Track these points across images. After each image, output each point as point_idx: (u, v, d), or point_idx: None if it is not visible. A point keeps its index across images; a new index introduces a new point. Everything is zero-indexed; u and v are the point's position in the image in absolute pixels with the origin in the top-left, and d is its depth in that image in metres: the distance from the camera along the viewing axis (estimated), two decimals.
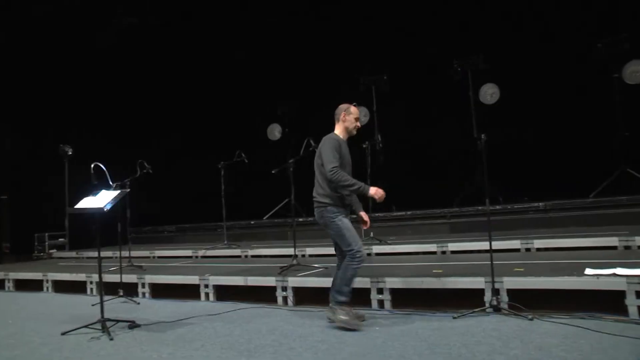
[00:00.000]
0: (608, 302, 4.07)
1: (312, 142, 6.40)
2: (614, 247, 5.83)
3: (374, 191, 4.32)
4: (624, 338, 3.45)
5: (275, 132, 11.48)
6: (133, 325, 4.84)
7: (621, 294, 3.99)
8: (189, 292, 6.29)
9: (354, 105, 4.64)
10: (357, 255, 4.27)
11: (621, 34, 7.77)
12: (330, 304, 4.41)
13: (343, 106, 4.62)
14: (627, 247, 5.76)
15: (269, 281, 5.70)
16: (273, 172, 6.38)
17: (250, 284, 5.85)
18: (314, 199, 4.52)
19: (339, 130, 4.61)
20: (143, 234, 12.22)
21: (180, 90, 12.33)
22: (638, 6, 7.91)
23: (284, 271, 5.89)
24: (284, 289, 5.55)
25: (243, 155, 8.76)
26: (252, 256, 8.25)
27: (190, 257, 8.92)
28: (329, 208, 4.39)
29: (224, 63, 11.89)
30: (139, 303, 6.16)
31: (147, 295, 6.69)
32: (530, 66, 8.79)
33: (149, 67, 12.27)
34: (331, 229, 4.41)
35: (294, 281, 5.53)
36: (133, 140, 11.89)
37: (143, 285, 6.75)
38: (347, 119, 4.55)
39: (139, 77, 12.27)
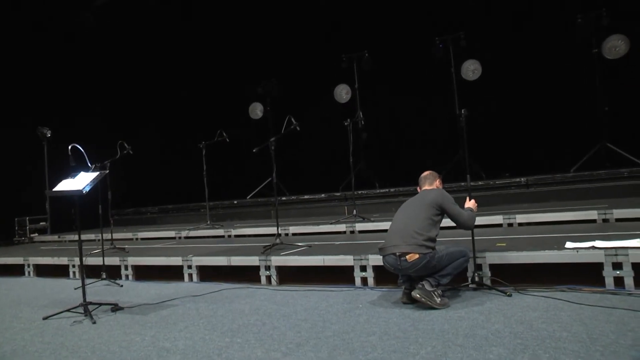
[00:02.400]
0: (588, 274, 4.13)
1: (292, 120, 6.36)
2: (594, 221, 5.90)
3: (472, 204, 4.50)
4: (601, 308, 3.52)
5: (257, 110, 11.37)
6: (116, 308, 4.80)
7: (599, 266, 4.05)
8: (173, 273, 6.26)
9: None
10: (466, 253, 4.19)
11: (600, 9, 7.77)
12: (423, 281, 4.01)
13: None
14: (605, 220, 5.84)
15: (252, 261, 5.68)
16: (254, 150, 6.31)
17: (233, 264, 5.82)
18: (415, 244, 4.00)
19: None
20: (126, 216, 12.11)
21: (162, 70, 12.14)
22: None
23: (267, 250, 5.87)
24: (267, 268, 5.53)
25: (224, 134, 8.67)
26: (236, 236, 8.22)
27: (174, 238, 8.88)
28: (433, 252, 4.05)
29: (204, 41, 11.71)
30: (122, 285, 6.12)
31: (130, 277, 6.65)
32: (512, 42, 8.78)
33: (128, 48, 12.06)
34: (442, 262, 4.05)
35: (277, 260, 5.52)
36: (114, 122, 11.72)
37: (126, 267, 6.70)
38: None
39: (118, 57, 12.06)
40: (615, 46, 7.97)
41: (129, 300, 5.24)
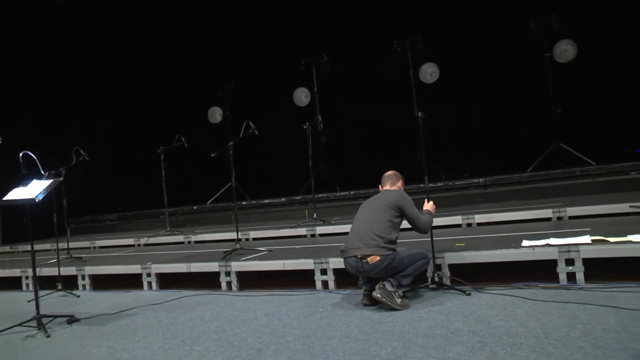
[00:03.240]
0: (543, 271, 4.25)
1: (251, 124, 6.33)
2: (549, 219, 6.06)
3: (431, 206, 4.54)
4: (555, 303, 3.63)
5: (215, 115, 11.25)
6: (72, 319, 4.68)
7: (553, 263, 4.17)
8: (132, 282, 6.14)
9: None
10: (426, 254, 4.28)
11: (551, 14, 8.00)
12: (383, 282, 4.02)
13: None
14: (559, 218, 6.01)
15: (212, 267, 5.62)
16: (212, 155, 6.26)
17: (193, 270, 5.75)
18: (376, 246, 4.03)
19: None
20: (83, 224, 11.82)
21: (117, 73, 11.89)
22: None
23: (227, 256, 5.82)
24: (228, 274, 5.49)
25: (183, 139, 8.58)
26: (196, 242, 8.13)
27: (133, 245, 8.71)
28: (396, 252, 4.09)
29: (161, 44, 11.53)
30: (78, 296, 5.97)
31: (87, 287, 6.49)
32: (468, 45, 8.95)
33: (82, 49, 11.79)
34: (403, 263, 4.07)
35: (238, 266, 5.48)
36: (69, 127, 11.45)
37: (83, 277, 6.53)
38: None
39: (73, 60, 11.79)
40: (565, 50, 8.22)
41: (86, 311, 5.12)
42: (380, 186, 4.62)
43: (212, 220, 10.05)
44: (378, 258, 3.99)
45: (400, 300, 3.98)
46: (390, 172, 4.60)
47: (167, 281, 6.02)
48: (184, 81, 11.42)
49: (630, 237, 4.16)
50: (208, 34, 11.11)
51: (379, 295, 3.95)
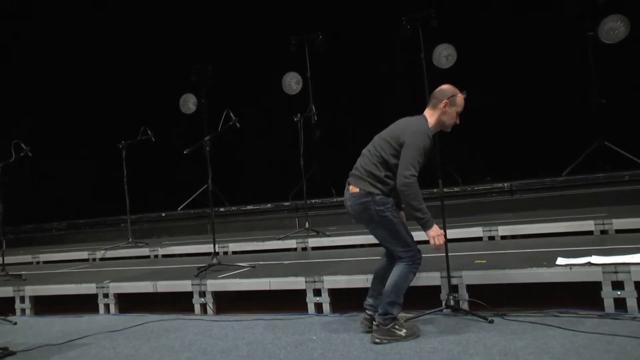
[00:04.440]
0: (583, 295, 4.20)
1: (232, 114, 6.30)
2: (590, 232, 6.02)
3: (436, 232, 3.92)
4: (599, 335, 3.57)
5: (189, 103, 11.21)
6: (5, 353, 4.58)
7: (597, 286, 4.12)
8: (85, 304, 6.06)
9: (463, 95, 4.09)
10: (418, 257, 4.02)
11: None
12: (375, 320, 3.98)
13: (448, 90, 4.07)
14: (603, 232, 5.96)
15: (183, 286, 5.58)
16: (185, 152, 6.22)
17: (160, 290, 5.71)
18: (356, 180, 4.06)
19: (432, 120, 4.07)
20: (24, 234, 11.75)
21: (70, 56, 11.86)
22: None
23: (201, 273, 5.78)
24: (202, 294, 5.45)
25: (149, 132, 8.53)
26: (164, 256, 8.09)
27: (86, 260, 8.65)
28: (379, 198, 3.96)
29: (123, 19, 11.50)
30: (15, 323, 5.84)
31: (27, 312, 6.37)
32: (492, 24, 8.93)
33: (27, 29, 11.76)
34: (381, 226, 4.01)
35: (214, 284, 5.45)
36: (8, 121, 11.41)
37: (22, 299, 6.42)
38: (449, 111, 4.03)
39: (16, 42, 11.76)
40: (614, 28, 8.12)
41: (25, 341, 5.03)
42: None
43: (184, 230, 10.01)
44: (357, 190, 4.03)
45: (404, 331, 3.93)
46: (441, 87, 4.14)
47: (129, 303, 5.95)
48: (151, 63, 11.38)
49: None
50: (180, 7, 11.07)
51: (377, 341, 3.90)
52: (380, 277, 4.21)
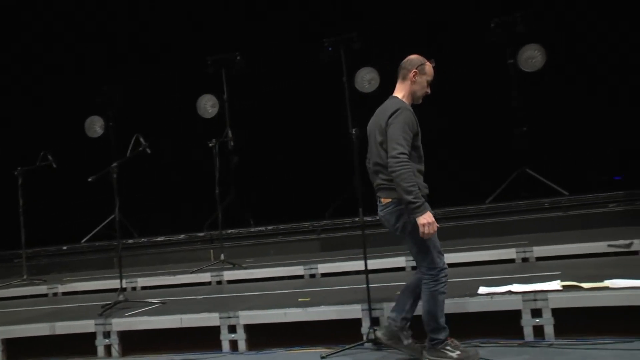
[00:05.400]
0: (504, 324, 4.35)
1: (142, 139, 6.23)
2: (512, 260, 6.26)
3: (427, 219, 3.78)
4: None
5: (95, 127, 10.98)
6: None
7: (517, 314, 4.30)
8: None
9: (431, 63, 4.19)
10: (442, 276, 3.95)
11: (516, 13, 8.29)
12: (427, 347, 4.00)
13: (416, 59, 4.17)
14: (524, 260, 6.22)
15: (85, 326, 5.43)
16: (90, 180, 6.09)
17: (59, 332, 5.50)
18: (387, 192, 4.00)
19: (402, 94, 4.14)
20: None
21: None
22: None
23: (106, 311, 5.64)
24: (107, 335, 5.32)
25: (50, 157, 8.30)
26: (65, 294, 7.83)
27: None
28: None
29: (24, 29, 11.21)
30: None
31: None
32: (415, 47, 9.17)
33: None
34: (411, 236, 3.93)
35: (120, 323, 5.32)
36: None
37: None
38: (419, 80, 4.11)
39: None
40: (532, 57, 8.57)
41: None
42: None
43: (89, 265, 9.74)
44: (390, 200, 3.97)
45: (457, 353, 3.89)
46: (408, 57, 4.24)
47: (21, 349, 5.67)
48: (54, 82, 11.10)
49: (607, 283, 4.35)
50: (87, 25, 10.90)
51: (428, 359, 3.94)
52: (410, 291, 4.21)
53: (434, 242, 3.93)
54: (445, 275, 3.98)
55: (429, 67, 4.16)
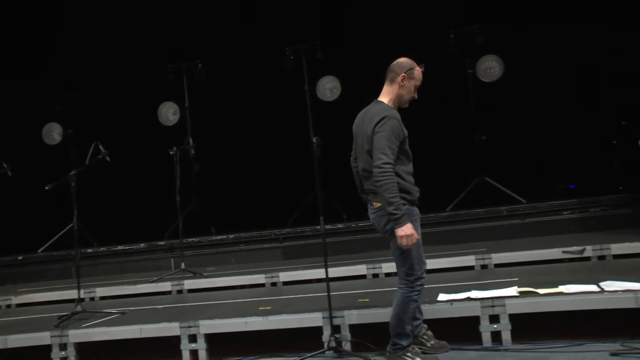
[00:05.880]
0: (463, 330, 4.44)
1: (101, 147, 6.18)
2: (471, 267, 6.37)
3: (406, 232, 3.82)
4: None
5: (53, 134, 10.82)
6: None
7: (475, 320, 4.40)
8: None
9: (421, 68, 4.23)
10: (418, 284, 4.01)
11: (474, 25, 8.43)
12: (388, 351, 4.07)
13: (405, 63, 4.19)
14: (484, 267, 6.34)
15: (40, 338, 5.34)
16: (47, 188, 6.02)
17: (11, 345, 5.40)
18: (372, 193, 4.11)
19: (388, 98, 4.19)
20: None
21: None
22: None
23: (63, 322, 5.57)
24: (63, 347, 5.25)
25: (5, 165, 8.17)
26: (19, 305, 7.67)
27: None
28: (404, 208, 3.91)
29: None
30: None
31: None
32: (378, 56, 9.23)
33: None
34: (396, 239, 3.91)
35: (77, 335, 5.27)
36: None
37: None
38: (407, 85, 4.15)
39: None
40: (490, 67, 8.73)
41: None
42: None
43: (45, 275, 9.54)
44: (381, 204, 3.98)
45: (417, 359, 4.00)
46: (397, 60, 4.27)
47: None
48: (9, 86, 10.91)
49: (561, 288, 4.48)
50: (45, 28, 10.76)
51: None
52: None
53: (417, 251, 4.01)
54: (421, 285, 4.06)
55: (418, 71, 4.20)
